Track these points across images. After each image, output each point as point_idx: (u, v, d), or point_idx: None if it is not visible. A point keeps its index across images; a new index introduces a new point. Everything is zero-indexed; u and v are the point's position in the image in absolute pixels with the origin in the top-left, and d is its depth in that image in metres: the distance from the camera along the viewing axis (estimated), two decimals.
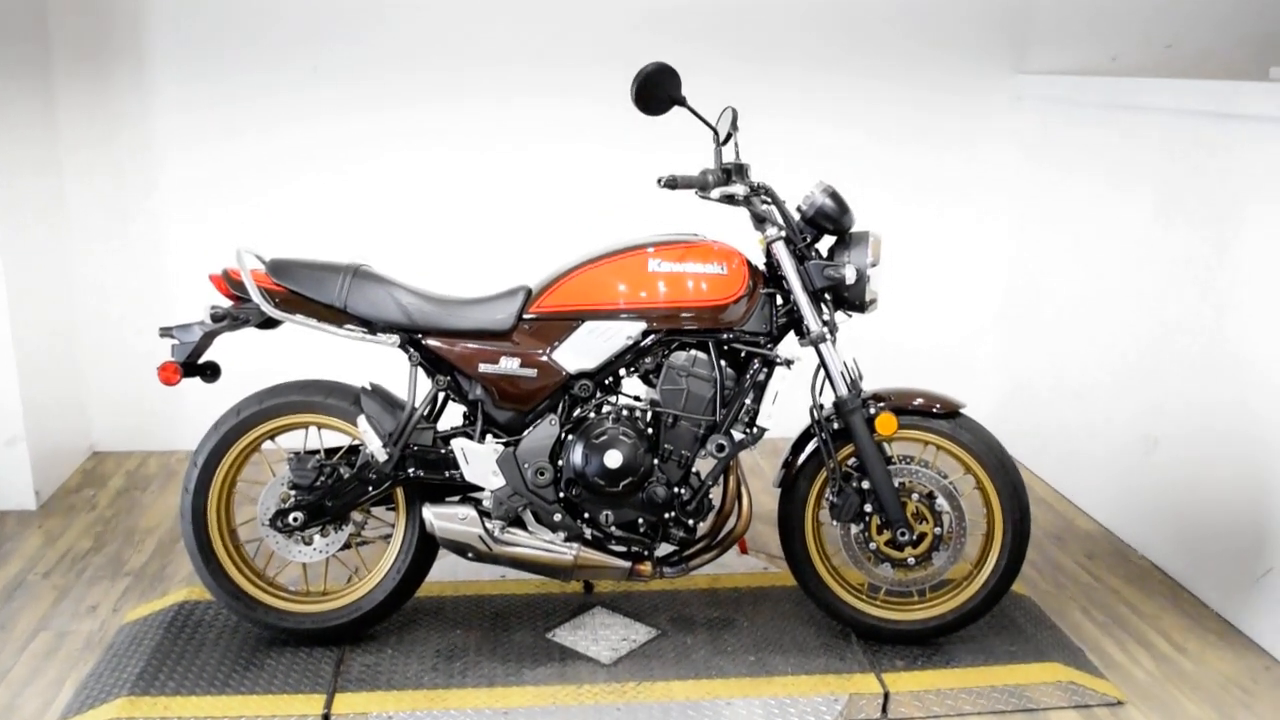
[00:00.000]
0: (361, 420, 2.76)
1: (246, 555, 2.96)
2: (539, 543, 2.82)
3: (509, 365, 2.78)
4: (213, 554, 2.88)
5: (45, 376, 4.05)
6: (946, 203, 4.66)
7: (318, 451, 2.89)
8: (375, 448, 2.75)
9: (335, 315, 2.77)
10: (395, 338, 2.77)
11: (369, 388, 2.90)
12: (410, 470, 2.82)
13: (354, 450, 2.91)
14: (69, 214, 4.24)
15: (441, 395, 2.86)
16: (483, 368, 2.79)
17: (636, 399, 2.90)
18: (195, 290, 4.01)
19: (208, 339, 2.79)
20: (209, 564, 2.88)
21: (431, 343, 2.79)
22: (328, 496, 2.83)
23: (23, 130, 3.92)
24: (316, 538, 2.89)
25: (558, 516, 2.81)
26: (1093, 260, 4.05)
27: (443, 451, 2.83)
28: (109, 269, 4.32)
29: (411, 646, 2.96)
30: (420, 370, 2.81)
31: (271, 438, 2.90)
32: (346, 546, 2.93)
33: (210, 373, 2.86)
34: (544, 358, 2.79)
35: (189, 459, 2.87)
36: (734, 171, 2.80)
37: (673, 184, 2.69)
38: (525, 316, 2.80)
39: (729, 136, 2.80)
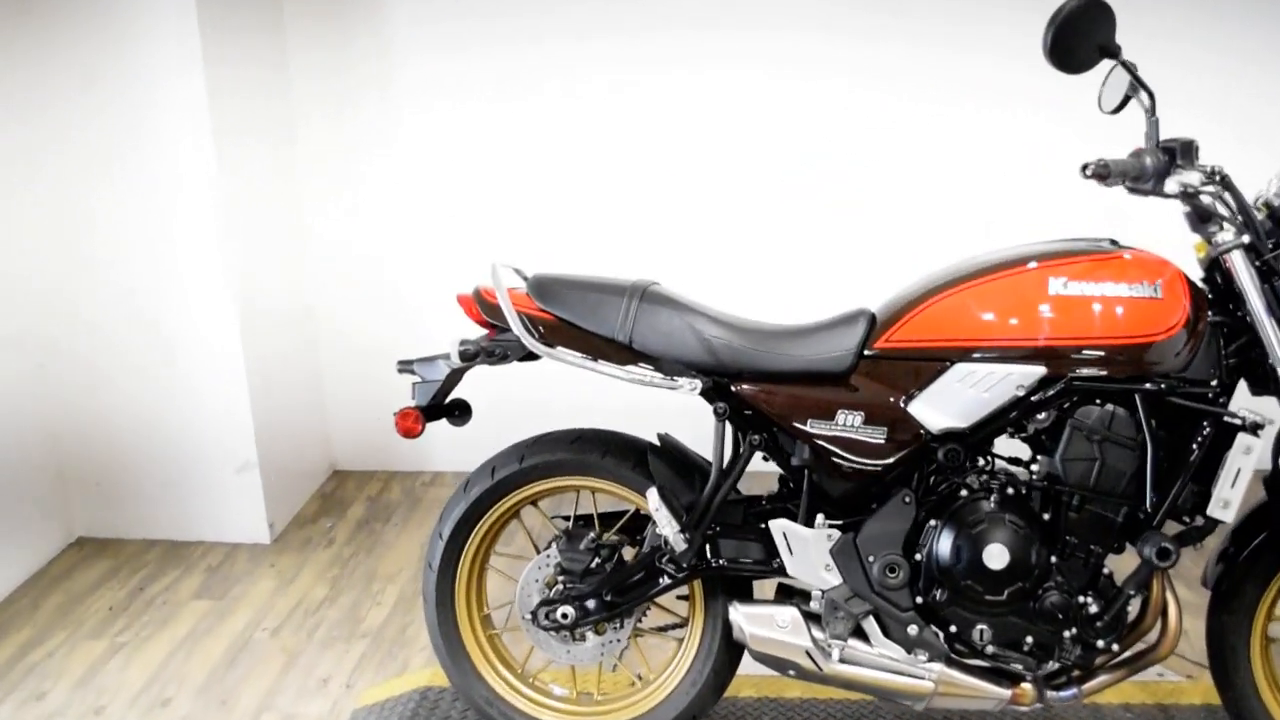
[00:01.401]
0: (652, 495, 2.08)
1: (503, 649, 2.37)
2: (887, 662, 2.08)
3: (849, 421, 2.05)
4: (462, 649, 2.29)
5: (280, 387, 3.61)
6: None
7: (590, 520, 2.25)
8: (670, 533, 2.08)
9: (617, 351, 2.11)
10: (696, 382, 2.08)
11: (658, 443, 2.23)
12: (714, 560, 2.14)
13: (638, 517, 2.26)
14: (301, 201, 3.79)
15: (753, 458, 2.15)
16: (813, 425, 2.06)
17: (1019, 463, 2.12)
18: (439, 275, 3.51)
19: (455, 377, 2.19)
20: (457, 661, 2.29)
21: (744, 389, 2.09)
22: (606, 587, 2.18)
23: (259, 100, 3.48)
24: (590, 634, 2.25)
25: (913, 629, 2.06)
26: None
27: (757, 532, 2.13)
28: (341, 249, 3.85)
29: None
30: (727, 425, 2.11)
31: (534, 502, 2.28)
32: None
33: (459, 413, 2.26)
34: (897, 411, 2.03)
35: (433, 531, 2.29)
36: (1179, 152, 1.95)
37: (1104, 173, 1.87)
38: (868, 353, 2.05)
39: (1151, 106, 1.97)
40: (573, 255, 3.42)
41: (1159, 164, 1.91)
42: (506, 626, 2.40)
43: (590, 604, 2.17)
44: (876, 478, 2.07)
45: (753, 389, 2.07)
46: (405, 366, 2.21)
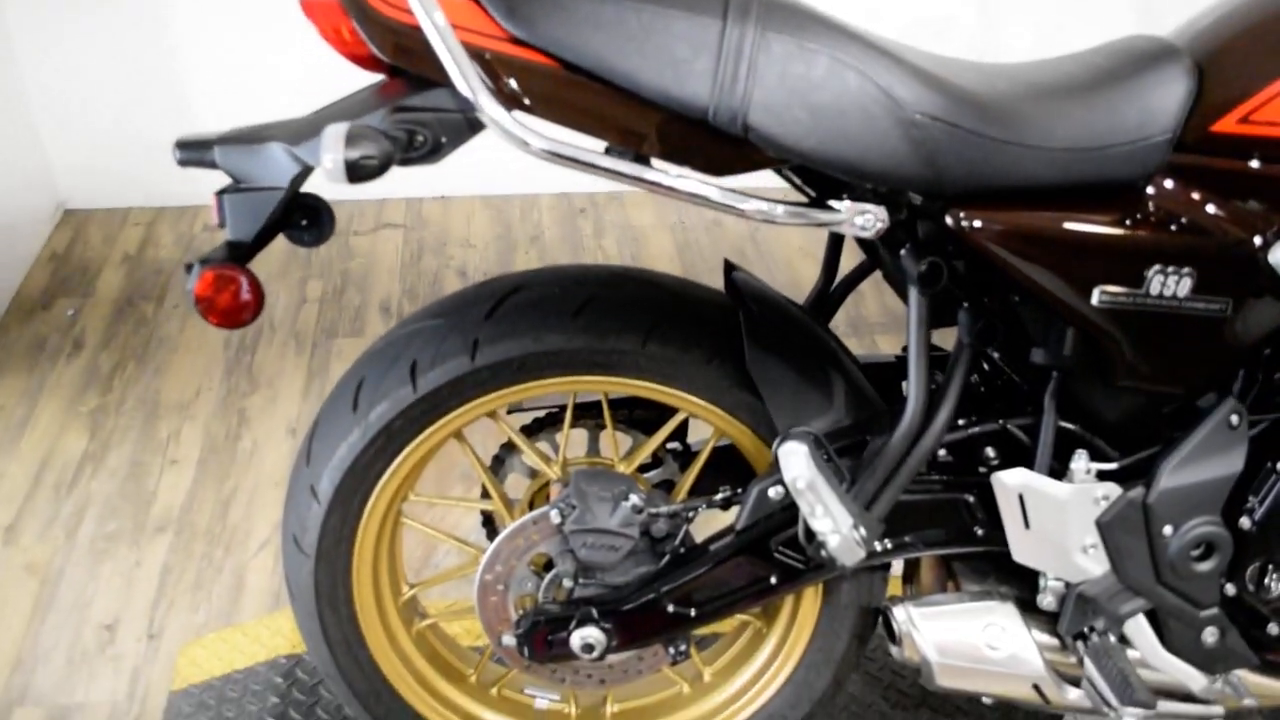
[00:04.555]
0: (795, 459, 1.02)
1: (443, 648, 1.34)
2: (1161, 681, 1.20)
3: (1169, 285, 1.02)
4: (373, 666, 1.26)
5: None
6: None
7: (594, 412, 1.21)
8: (834, 529, 1.04)
9: (705, 145, 0.96)
10: (877, 215, 0.98)
11: (742, 293, 1.15)
12: (884, 544, 1.15)
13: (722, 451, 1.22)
14: None
15: (969, 351, 1.11)
16: (1103, 294, 1.02)
17: None
18: None
19: (303, 180, 0.97)
20: (369, 686, 1.27)
21: (973, 224, 1.00)
22: (666, 589, 1.16)
23: None
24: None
25: (1211, 636, 1.17)
26: None
27: (959, 484, 1.14)
28: None
29: None
30: (941, 301, 1.06)
31: (491, 413, 1.19)
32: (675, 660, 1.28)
33: (308, 223, 1.05)
34: (1248, 265, 1.03)
35: (296, 476, 1.18)
36: None
37: None
38: (1189, 140, 1.01)
39: None
40: None
41: None
42: (446, 612, 1.38)
43: (634, 619, 1.16)
44: (1182, 383, 1.09)
45: (992, 223, 1.00)
46: (191, 153, 0.97)
